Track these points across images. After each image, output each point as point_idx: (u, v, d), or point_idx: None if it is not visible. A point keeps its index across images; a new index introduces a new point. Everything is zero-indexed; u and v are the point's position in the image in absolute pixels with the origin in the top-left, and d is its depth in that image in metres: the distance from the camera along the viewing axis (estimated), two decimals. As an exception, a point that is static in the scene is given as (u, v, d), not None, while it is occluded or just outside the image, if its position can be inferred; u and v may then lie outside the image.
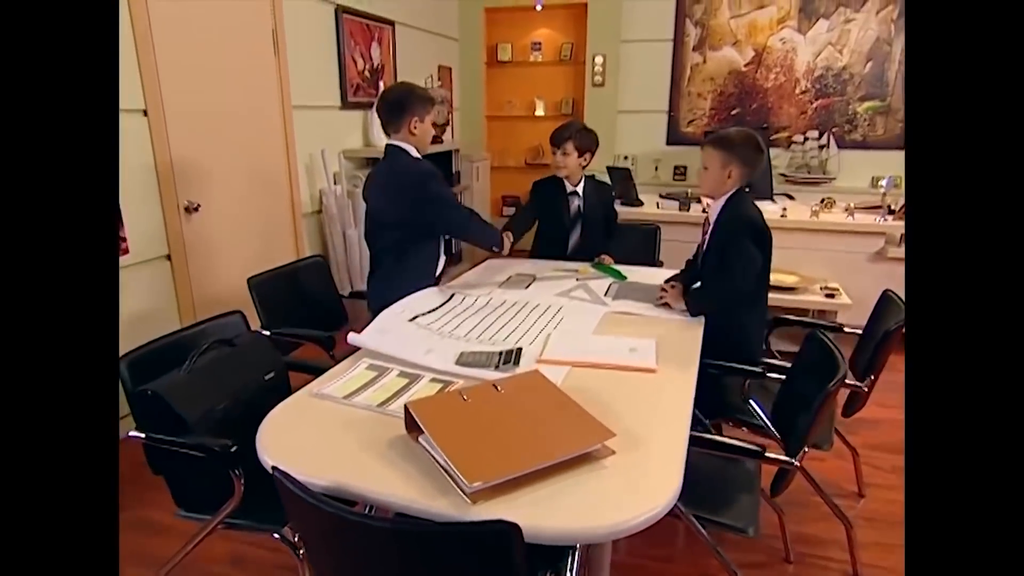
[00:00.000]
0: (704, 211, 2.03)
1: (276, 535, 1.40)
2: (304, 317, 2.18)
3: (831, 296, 3.13)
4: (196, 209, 2.76)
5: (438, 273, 2.26)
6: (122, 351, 1.47)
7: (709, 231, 1.97)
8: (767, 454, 1.32)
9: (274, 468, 0.99)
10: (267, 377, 1.69)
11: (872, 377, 1.81)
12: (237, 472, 1.36)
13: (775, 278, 3.28)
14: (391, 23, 4.25)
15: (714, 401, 1.97)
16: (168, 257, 2.66)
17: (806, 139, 4.95)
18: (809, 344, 1.59)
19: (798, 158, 4.98)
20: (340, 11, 3.68)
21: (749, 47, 4.98)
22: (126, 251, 2.42)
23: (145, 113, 2.49)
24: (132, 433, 1.41)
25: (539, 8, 5.37)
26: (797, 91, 4.95)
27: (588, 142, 2.50)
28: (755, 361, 1.79)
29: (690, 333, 1.75)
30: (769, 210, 3.71)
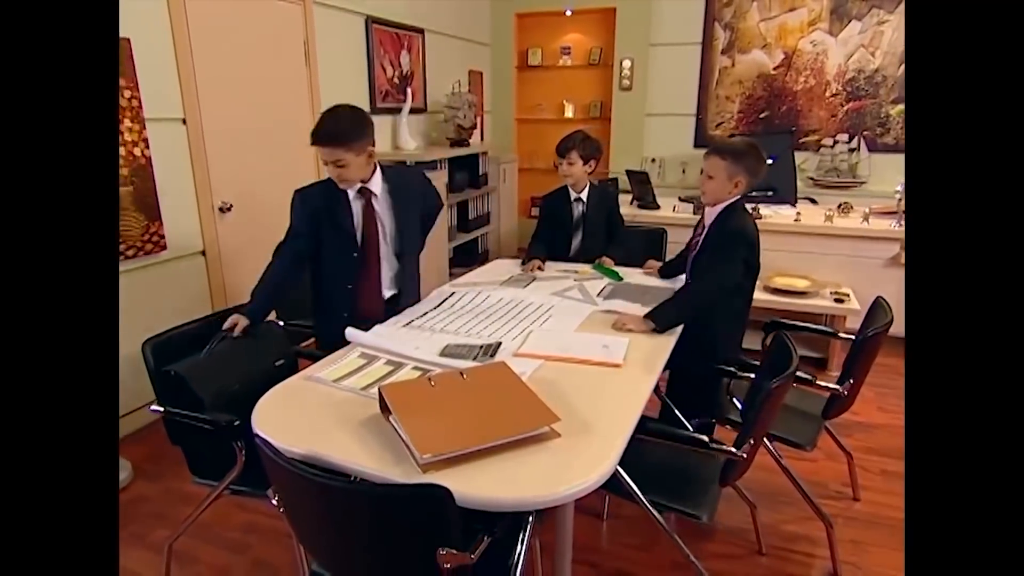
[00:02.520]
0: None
1: (273, 501, 1.57)
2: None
3: (840, 301, 3.14)
4: (229, 209, 3.00)
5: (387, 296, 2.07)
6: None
7: (703, 235, 2.05)
8: (712, 445, 1.41)
9: (255, 435, 1.16)
10: (277, 363, 1.87)
11: (851, 381, 1.86)
12: (239, 444, 1.54)
13: (785, 282, 3.32)
14: (421, 31, 4.43)
15: (700, 402, 2.06)
16: (203, 253, 2.90)
17: (836, 142, 4.90)
18: (774, 344, 1.66)
19: (827, 161, 4.93)
20: (370, 21, 3.88)
21: (779, 50, 4.96)
22: (164, 247, 2.67)
23: (184, 122, 2.73)
24: (153, 408, 1.61)
25: (569, 13, 5.48)
26: (827, 94, 4.90)
27: (592, 150, 2.65)
28: (730, 361, 1.87)
29: (665, 334, 1.84)
30: (784, 214, 3.72)
